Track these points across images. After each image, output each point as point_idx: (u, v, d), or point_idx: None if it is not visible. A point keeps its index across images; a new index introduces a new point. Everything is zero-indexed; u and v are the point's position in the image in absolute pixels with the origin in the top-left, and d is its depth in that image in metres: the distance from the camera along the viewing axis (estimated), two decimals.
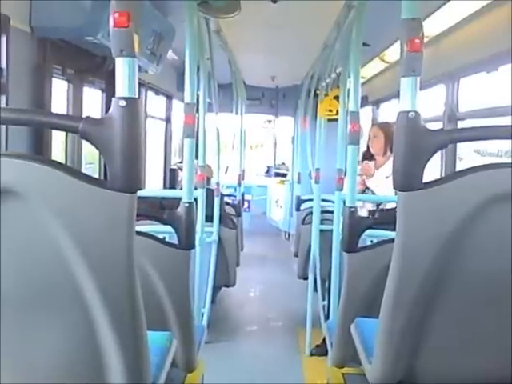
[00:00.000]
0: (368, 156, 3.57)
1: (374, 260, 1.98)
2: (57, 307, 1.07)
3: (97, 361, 1.08)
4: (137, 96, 1.02)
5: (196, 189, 2.62)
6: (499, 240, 1.17)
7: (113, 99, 1.01)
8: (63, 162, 3.34)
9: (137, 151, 1.02)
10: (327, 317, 3.15)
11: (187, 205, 1.91)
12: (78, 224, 1.02)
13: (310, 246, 3.96)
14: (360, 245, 2.07)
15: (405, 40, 1.12)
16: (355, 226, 2.02)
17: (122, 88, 1.00)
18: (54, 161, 1.04)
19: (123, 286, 1.05)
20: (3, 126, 2.37)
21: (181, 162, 5.93)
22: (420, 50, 1.12)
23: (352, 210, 2.06)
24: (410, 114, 1.14)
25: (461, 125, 3.33)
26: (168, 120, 6.04)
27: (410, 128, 1.14)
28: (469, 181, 1.16)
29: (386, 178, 3.40)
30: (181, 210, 1.89)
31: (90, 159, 4.01)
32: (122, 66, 1.00)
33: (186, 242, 1.86)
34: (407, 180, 1.15)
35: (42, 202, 1.01)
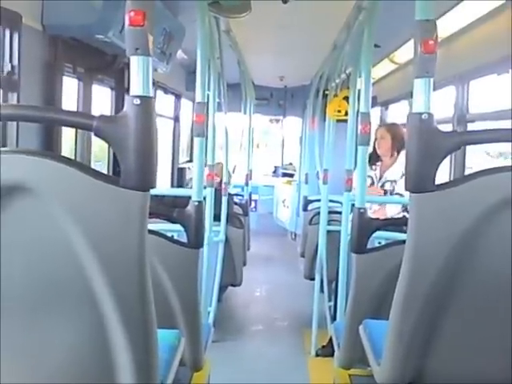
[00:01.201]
0: (374, 157, 3.54)
1: (382, 261, 1.97)
2: (67, 303, 1.08)
3: (106, 357, 1.08)
4: (151, 95, 1.02)
5: (205, 188, 2.62)
6: (510, 242, 1.17)
7: (127, 97, 1.01)
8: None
9: (150, 150, 1.02)
10: (334, 318, 3.15)
11: (197, 203, 1.91)
12: (90, 221, 1.02)
13: (316, 246, 3.96)
14: (368, 246, 2.07)
15: (419, 41, 1.12)
16: (364, 228, 2.02)
17: (136, 86, 1.01)
18: (66, 157, 1.04)
19: (134, 284, 1.05)
20: (14, 123, 2.39)
21: (189, 161, 5.93)
22: (434, 52, 1.11)
23: (361, 211, 2.06)
24: (423, 116, 1.13)
25: (470, 127, 3.31)
26: (176, 119, 6.06)
27: (423, 129, 1.14)
28: (481, 183, 1.15)
29: (390, 182, 3.37)
30: (190, 208, 1.89)
31: (99, 157, 4.03)
32: (136, 64, 1.01)
33: (195, 241, 1.86)
34: (419, 182, 1.15)
35: (54, 198, 1.01)
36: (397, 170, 3.38)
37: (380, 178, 3.50)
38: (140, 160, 1.01)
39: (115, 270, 1.04)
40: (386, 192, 3.40)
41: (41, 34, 2.67)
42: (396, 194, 3.35)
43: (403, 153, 3.40)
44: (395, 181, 3.39)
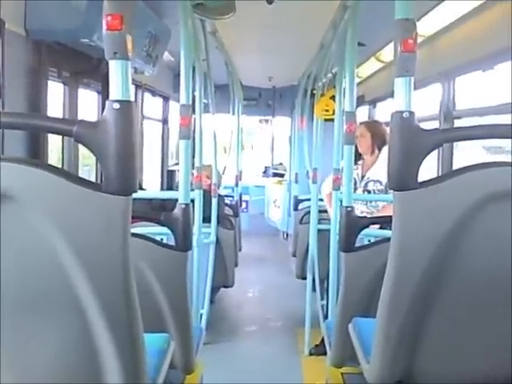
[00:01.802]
0: (357, 156, 3.49)
1: (371, 259, 1.98)
2: (53, 310, 1.07)
3: (93, 363, 1.08)
4: (131, 98, 1.02)
5: (193, 190, 2.62)
6: (496, 238, 1.17)
7: (107, 102, 1.01)
8: (60, 164, 3.33)
9: (131, 154, 1.02)
10: (326, 316, 3.15)
11: (184, 206, 1.90)
12: (73, 227, 1.02)
13: (307, 245, 3.96)
14: (357, 244, 2.07)
15: (398, 40, 1.12)
16: (352, 226, 2.02)
17: (115, 91, 1.00)
18: (49, 165, 1.04)
19: (119, 289, 1.05)
20: None
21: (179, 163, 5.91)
22: (413, 51, 1.12)
23: (349, 209, 2.06)
24: (404, 114, 1.14)
25: (457, 123, 3.33)
26: (165, 121, 6.04)
27: (405, 128, 1.14)
28: (465, 180, 1.16)
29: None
30: (177, 211, 1.89)
31: (87, 161, 4.01)
32: (115, 68, 1.00)
33: (183, 244, 1.86)
34: (402, 180, 1.15)
35: (37, 206, 1.01)
36: (379, 169, 3.36)
37: (362, 177, 3.46)
38: (121, 165, 1.00)
39: (99, 276, 1.04)
40: (369, 192, 3.37)
41: (24, 39, 2.65)
42: None
43: (385, 151, 3.38)
44: (379, 181, 3.36)
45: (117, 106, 0.99)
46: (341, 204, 2.19)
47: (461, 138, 1.26)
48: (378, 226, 2.52)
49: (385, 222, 2.24)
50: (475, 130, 1.21)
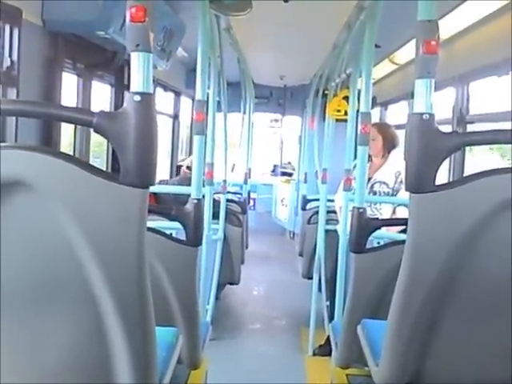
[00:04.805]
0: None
1: (381, 261, 1.97)
2: (65, 299, 1.07)
3: (104, 354, 1.08)
4: (151, 91, 1.02)
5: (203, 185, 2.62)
6: (510, 244, 1.17)
7: (127, 94, 1.01)
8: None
9: (150, 146, 1.02)
10: (331, 317, 3.15)
11: (196, 201, 1.90)
12: (88, 217, 1.02)
13: (315, 245, 3.96)
14: (367, 246, 2.06)
15: (420, 42, 1.12)
16: (364, 227, 2.02)
17: (136, 83, 1.00)
18: (65, 153, 1.04)
19: (133, 281, 1.05)
20: (13, 119, 2.38)
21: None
22: (435, 52, 1.11)
23: (361, 210, 2.06)
24: (424, 116, 1.13)
25: (470, 128, 3.32)
26: (176, 116, 6.04)
27: (424, 130, 1.14)
28: (482, 184, 1.15)
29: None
30: (189, 206, 1.88)
31: (97, 154, 4.03)
32: (137, 60, 1.00)
33: (194, 239, 1.86)
34: (420, 182, 1.15)
35: (53, 194, 1.01)
36: (387, 171, 3.33)
37: (369, 179, 3.43)
38: (139, 157, 1.00)
39: (114, 268, 1.04)
40: (375, 193, 3.34)
41: (41, 30, 2.66)
42: None
43: (393, 153, 3.36)
44: (386, 183, 3.32)
45: (137, 98, 1.00)
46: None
47: (480, 142, 1.25)
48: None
49: (396, 224, 2.24)
50: (495, 134, 1.20)
